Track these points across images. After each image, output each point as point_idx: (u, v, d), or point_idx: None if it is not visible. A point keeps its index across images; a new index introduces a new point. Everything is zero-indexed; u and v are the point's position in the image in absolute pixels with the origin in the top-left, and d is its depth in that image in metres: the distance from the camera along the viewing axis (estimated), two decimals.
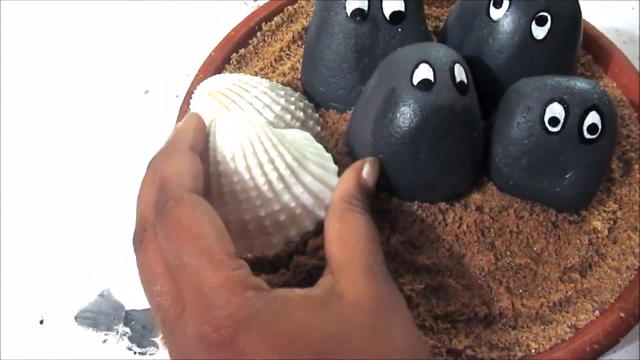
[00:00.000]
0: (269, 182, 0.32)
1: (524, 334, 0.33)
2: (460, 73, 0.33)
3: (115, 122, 0.49)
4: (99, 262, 0.43)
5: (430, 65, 0.32)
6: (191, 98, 0.38)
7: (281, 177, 0.32)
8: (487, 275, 0.34)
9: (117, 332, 0.41)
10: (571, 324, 0.33)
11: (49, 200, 0.46)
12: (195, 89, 0.38)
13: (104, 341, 0.41)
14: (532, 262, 0.35)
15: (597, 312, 0.34)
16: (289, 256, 0.34)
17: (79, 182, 0.47)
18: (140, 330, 0.41)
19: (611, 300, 0.34)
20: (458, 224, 0.35)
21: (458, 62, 0.33)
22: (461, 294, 0.34)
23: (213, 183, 0.31)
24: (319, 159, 0.35)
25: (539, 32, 0.36)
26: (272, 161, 0.32)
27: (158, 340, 0.40)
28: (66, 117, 0.50)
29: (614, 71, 0.43)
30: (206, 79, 0.39)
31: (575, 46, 0.38)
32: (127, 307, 0.42)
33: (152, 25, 0.56)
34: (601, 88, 0.34)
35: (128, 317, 0.42)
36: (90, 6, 0.58)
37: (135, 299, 0.42)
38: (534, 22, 0.36)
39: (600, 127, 0.33)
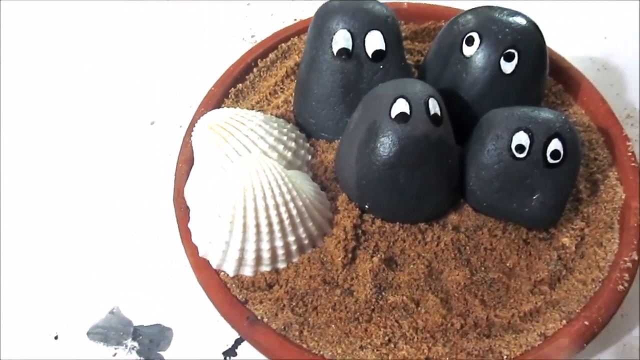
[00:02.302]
0: (289, 218, 0.36)
1: (497, 342, 0.36)
2: (434, 106, 0.36)
3: (124, 151, 0.52)
4: (109, 282, 0.46)
5: (407, 100, 0.36)
6: (193, 130, 0.41)
7: (299, 214, 0.37)
8: (463, 289, 0.37)
9: (126, 346, 0.43)
10: (540, 332, 0.36)
11: (63, 226, 0.49)
12: (197, 121, 0.41)
13: (114, 354, 0.43)
14: (504, 277, 0.38)
15: (564, 321, 0.36)
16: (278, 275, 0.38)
17: (89, 208, 0.50)
18: (147, 344, 0.43)
19: (577, 310, 0.37)
20: (436, 243, 0.39)
21: (432, 97, 0.36)
22: (439, 307, 0.37)
23: (238, 217, 0.35)
24: (318, 196, 0.39)
25: (508, 67, 0.39)
26: (291, 200, 0.36)
27: (164, 354, 0.43)
28: (77, 146, 0.53)
29: (583, 99, 0.46)
30: (207, 112, 0.43)
31: (542, 79, 0.41)
32: (135, 323, 0.44)
33: (159, 60, 0.59)
34: (564, 117, 0.37)
35: (136, 332, 0.44)
36: (98, 42, 0.62)
37: (143, 315, 0.44)
38: (502, 58, 0.39)
39: (562, 152, 0.36)
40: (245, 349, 0.42)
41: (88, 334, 0.44)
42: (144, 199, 0.49)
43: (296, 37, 0.50)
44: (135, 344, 0.44)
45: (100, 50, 0.61)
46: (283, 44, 0.49)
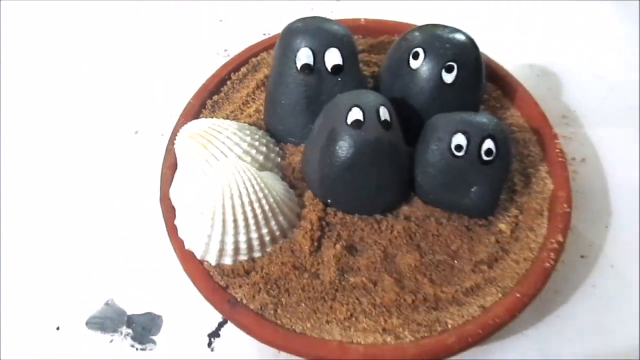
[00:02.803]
0: (262, 213, 0.42)
1: (443, 314, 0.41)
2: (384, 113, 0.42)
3: (112, 158, 0.57)
4: (103, 277, 0.50)
5: (361, 109, 0.41)
6: (175, 139, 0.46)
7: (270, 210, 0.42)
8: (414, 270, 0.43)
9: (121, 333, 0.48)
10: (480, 304, 0.42)
11: (62, 227, 0.53)
12: (178, 131, 0.46)
13: (111, 341, 0.47)
14: (449, 258, 0.44)
15: (500, 295, 0.42)
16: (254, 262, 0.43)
17: (86, 210, 0.54)
18: (140, 331, 0.48)
19: (511, 285, 0.43)
20: (390, 231, 0.45)
21: (383, 105, 0.42)
22: (394, 286, 0.42)
23: (218, 214, 0.41)
24: (287, 193, 0.45)
25: (448, 78, 0.45)
26: (264, 197, 0.42)
27: (156, 338, 0.47)
28: (71, 152, 0.58)
29: (518, 103, 0.52)
30: (187, 122, 0.48)
31: (478, 87, 0.47)
32: (129, 312, 0.48)
33: (142, 73, 0.64)
34: (496, 120, 0.43)
35: (130, 321, 0.48)
36: (82, 55, 0.66)
37: (135, 305, 0.49)
38: (443, 70, 0.45)
39: (495, 151, 0.42)
40: (227, 330, 0.47)
41: (86, 324, 0.48)
42: (134, 202, 0.54)
43: (265, 52, 0.55)
44: (130, 331, 0.48)
45: (84, 65, 0.65)
46: (253, 59, 0.55)
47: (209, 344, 0.47)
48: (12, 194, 0.56)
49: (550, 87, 0.61)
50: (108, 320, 0.48)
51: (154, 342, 0.47)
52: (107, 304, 0.49)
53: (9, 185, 0.56)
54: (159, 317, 0.48)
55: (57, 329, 0.48)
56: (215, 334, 0.47)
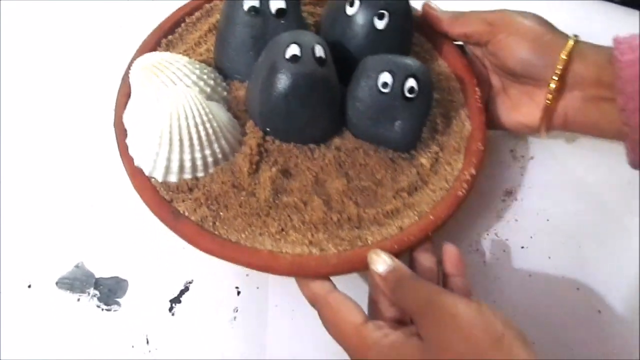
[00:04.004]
0: (206, 135, 0.46)
1: (364, 232, 0.46)
2: (319, 51, 0.47)
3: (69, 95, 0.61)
4: (74, 241, 0.53)
5: (299, 45, 0.46)
6: (130, 70, 0.50)
7: (214, 133, 0.46)
8: (341, 194, 0.48)
9: (89, 294, 0.51)
10: (398, 225, 0.47)
11: (34, 186, 0.56)
12: (133, 63, 0.50)
13: (78, 299, 0.51)
14: (374, 185, 0.49)
15: (416, 217, 0.47)
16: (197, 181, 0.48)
17: (62, 166, 0.57)
18: (106, 293, 0.51)
19: (427, 210, 0.48)
20: (322, 159, 0.49)
21: (319, 43, 0.47)
22: (322, 206, 0.47)
23: (165, 133, 0.45)
24: (230, 121, 0.49)
25: (380, 24, 0.50)
26: (208, 122, 0.46)
27: (120, 300, 0.51)
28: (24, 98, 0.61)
29: (447, 55, 0.57)
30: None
31: (408, 35, 0.52)
32: (97, 275, 0.52)
33: (102, 14, 0.68)
34: (419, 63, 0.48)
35: (97, 283, 0.52)
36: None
37: (103, 269, 0.52)
38: (376, 17, 0.50)
39: (417, 89, 0.47)
40: (188, 297, 0.51)
41: (57, 283, 0.52)
42: (90, 130, 0.58)
43: None
44: (97, 292, 0.51)
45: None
46: (207, 4, 0.59)
47: (170, 309, 0.51)
48: None
49: None
50: (77, 282, 0.52)
51: (118, 304, 0.51)
52: (77, 266, 0.53)
53: None
54: (125, 281, 0.52)
55: (29, 286, 0.52)
56: (176, 300, 0.51)
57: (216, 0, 0.59)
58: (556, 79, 0.50)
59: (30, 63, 0.65)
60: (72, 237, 0.54)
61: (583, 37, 0.51)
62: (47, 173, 0.58)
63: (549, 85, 0.50)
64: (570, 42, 0.50)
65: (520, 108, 0.54)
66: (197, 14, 0.58)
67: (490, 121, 0.55)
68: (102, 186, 0.56)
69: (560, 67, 0.49)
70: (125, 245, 0.53)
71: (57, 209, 0.55)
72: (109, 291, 0.51)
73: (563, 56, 0.49)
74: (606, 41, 0.49)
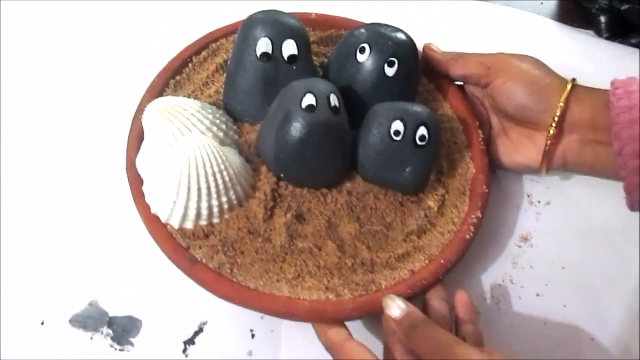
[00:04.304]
0: (223, 183, 0.47)
1: (377, 276, 0.48)
2: (334, 100, 0.48)
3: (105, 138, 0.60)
4: (88, 279, 0.53)
5: (314, 95, 0.47)
6: (142, 113, 0.50)
7: (230, 180, 0.47)
8: (354, 238, 0.49)
9: (102, 332, 0.50)
10: (409, 269, 0.48)
11: (48, 223, 0.55)
12: (146, 106, 0.50)
13: (91, 338, 0.50)
14: (384, 229, 0.50)
15: (426, 261, 0.49)
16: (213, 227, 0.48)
17: (76, 206, 0.56)
18: (120, 332, 0.50)
19: (436, 253, 0.49)
20: (334, 203, 0.51)
21: (333, 92, 0.48)
22: (336, 251, 0.48)
23: (183, 182, 0.46)
24: (244, 166, 0.50)
25: (390, 71, 0.52)
26: (225, 169, 0.47)
27: (134, 340, 0.50)
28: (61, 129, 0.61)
29: (448, 96, 0.59)
30: (151, 98, 0.52)
31: (416, 80, 0.54)
32: (110, 314, 0.51)
33: (109, 56, 0.68)
34: (429, 111, 0.50)
35: (111, 322, 0.50)
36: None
37: (117, 307, 0.51)
38: (386, 64, 0.51)
39: (427, 137, 0.49)
40: (202, 339, 0.51)
41: (70, 321, 0.51)
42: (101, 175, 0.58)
43: (223, 38, 0.60)
44: (110, 331, 0.51)
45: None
46: (213, 44, 0.59)
47: (184, 351, 0.50)
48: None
49: None
50: (90, 320, 0.51)
51: (132, 344, 0.50)
52: (90, 304, 0.52)
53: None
54: (139, 320, 0.51)
55: (42, 324, 0.51)
56: (190, 342, 0.51)
57: (222, 39, 0.60)
58: (554, 125, 0.52)
59: (30, 75, 0.65)
60: (86, 274, 0.53)
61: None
62: (61, 210, 0.57)
63: (548, 131, 0.52)
64: (568, 87, 0.52)
65: (520, 150, 0.56)
66: (204, 53, 0.59)
67: (491, 160, 0.56)
68: (116, 225, 0.56)
69: (558, 114, 0.52)
70: (140, 284, 0.53)
71: (72, 245, 0.55)
72: (123, 330, 0.51)
73: (561, 103, 0.51)
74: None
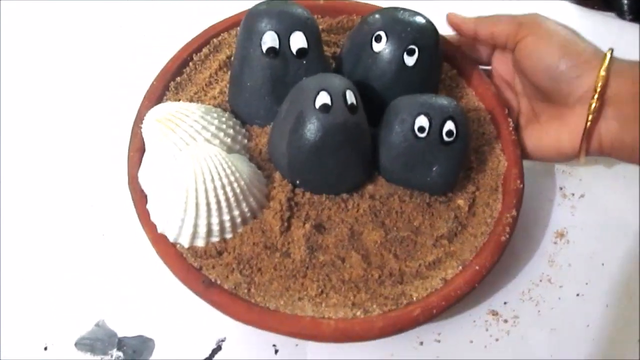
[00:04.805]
0: (234, 196, 0.43)
1: (408, 287, 0.44)
2: (350, 97, 0.43)
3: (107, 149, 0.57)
4: (95, 297, 0.50)
5: (328, 93, 0.43)
6: (142, 122, 0.46)
7: (241, 192, 0.43)
8: (379, 246, 0.45)
9: (112, 355, 0.48)
10: (442, 277, 0.44)
11: (51, 241, 0.53)
12: (143, 115, 0.46)
13: None
14: (412, 234, 0.46)
15: (460, 268, 0.45)
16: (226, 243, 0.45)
17: (79, 222, 0.54)
18: (130, 354, 0.48)
19: (470, 258, 0.45)
20: (356, 209, 0.46)
21: (349, 89, 0.43)
22: (361, 262, 0.44)
23: (191, 198, 0.42)
24: (255, 174, 0.46)
25: (410, 61, 0.47)
26: (235, 181, 0.43)
27: None
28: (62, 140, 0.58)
29: (473, 83, 0.54)
30: (151, 104, 0.48)
31: (438, 69, 0.49)
32: (120, 335, 0.48)
33: (102, 59, 0.64)
34: (455, 103, 0.45)
35: (120, 343, 0.48)
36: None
37: (126, 327, 0.49)
38: (405, 53, 0.47)
39: (455, 132, 0.45)
40: (222, 356, 0.48)
41: (76, 344, 0.48)
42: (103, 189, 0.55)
43: (225, 32, 0.55)
44: (120, 353, 0.48)
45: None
46: (214, 39, 0.55)
47: None
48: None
49: None
50: (98, 342, 0.48)
51: None
52: (97, 325, 0.49)
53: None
54: (151, 340, 0.48)
55: (45, 349, 0.48)
56: None
57: (224, 33, 0.55)
58: (596, 97, 0.47)
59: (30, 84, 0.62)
60: (92, 293, 0.50)
61: None
62: (64, 226, 0.54)
63: (589, 105, 0.47)
64: (608, 56, 0.47)
65: (552, 134, 0.50)
66: (205, 50, 0.54)
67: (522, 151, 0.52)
68: (122, 240, 0.53)
69: (601, 84, 0.46)
70: (150, 300, 0.50)
71: (76, 263, 0.52)
72: (134, 352, 0.48)
73: (602, 72, 0.46)
74: None
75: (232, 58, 0.51)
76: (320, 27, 0.56)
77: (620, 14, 0.69)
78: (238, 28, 0.50)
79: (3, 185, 0.56)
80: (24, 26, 0.67)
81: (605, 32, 0.67)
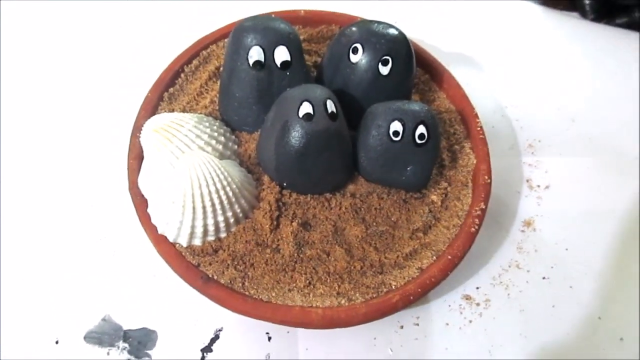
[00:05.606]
0: (227, 198, 0.47)
1: (387, 277, 0.48)
2: (330, 106, 0.47)
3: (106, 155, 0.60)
4: (101, 294, 0.53)
5: (310, 103, 0.46)
6: (139, 131, 0.50)
7: (234, 195, 0.47)
8: (361, 240, 0.50)
9: (118, 347, 0.51)
10: (418, 267, 0.49)
11: (56, 242, 0.56)
12: (141, 124, 0.50)
13: (108, 353, 0.51)
14: (390, 228, 0.50)
15: (434, 257, 0.49)
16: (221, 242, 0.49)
17: (82, 222, 0.57)
18: (136, 345, 0.51)
19: (443, 249, 0.50)
20: (339, 207, 0.51)
21: (329, 98, 0.47)
22: (344, 255, 0.49)
23: (188, 202, 0.46)
24: (246, 178, 0.50)
25: (384, 70, 0.51)
26: (228, 185, 0.47)
27: (151, 352, 0.51)
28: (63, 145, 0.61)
29: (444, 86, 0.58)
30: (147, 114, 0.52)
31: (411, 76, 0.53)
32: (125, 328, 0.52)
33: (99, 69, 0.67)
34: (427, 108, 0.49)
35: (126, 335, 0.51)
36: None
37: (131, 321, 0.52)
38: (380, 63, 0.51)
39: (426, 135, 0.49)
40: (220, 345, 0.51)
41: (85, 338, 0.51)
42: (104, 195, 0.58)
43: (214, 44, 0.59)
44: (126, 345, 0.51)
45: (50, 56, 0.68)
46: (204, 51, 0.59)
47: (202, 358, 0.51)
48: (11, 206, 0.58)
49: (517, 119, 0.66)
50: (105, 335, 0.52)
51: (149, 356, 0.51)
52: (104, 319, 0.52)
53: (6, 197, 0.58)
54: (154, 332, 0.52)
55: (57, 342, 0.51)
56: (207, 349, 0.51)
57: (212, 45, 0.59)
58: None
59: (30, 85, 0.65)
60: (97, 290, 0.54)
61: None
62: (67, 226, 0.57)
63: None
64: None
65: None
66: (195, 61, 0.58)
67: None
68: (122, 237, 0.56)
69: None
70: (151, 295, 0.54)
71: (82, 261, 0.55)
72: (139, 343, 0.51)
73: None
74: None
75: (221, 69, 0.55)
76: (302, 37, 0.60)
77: (583, 14, 0.73)
78: (226, 40, 0.53)
79: (5, 189, 0.59)
80: (24, 26, 0.69)
81: (570, 32, 0.72)
